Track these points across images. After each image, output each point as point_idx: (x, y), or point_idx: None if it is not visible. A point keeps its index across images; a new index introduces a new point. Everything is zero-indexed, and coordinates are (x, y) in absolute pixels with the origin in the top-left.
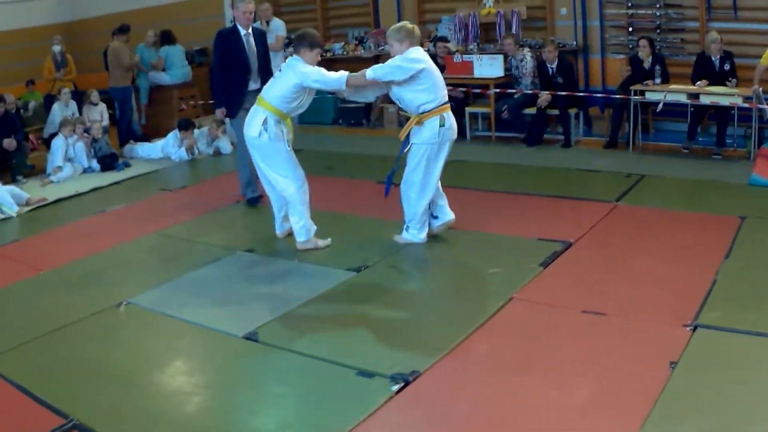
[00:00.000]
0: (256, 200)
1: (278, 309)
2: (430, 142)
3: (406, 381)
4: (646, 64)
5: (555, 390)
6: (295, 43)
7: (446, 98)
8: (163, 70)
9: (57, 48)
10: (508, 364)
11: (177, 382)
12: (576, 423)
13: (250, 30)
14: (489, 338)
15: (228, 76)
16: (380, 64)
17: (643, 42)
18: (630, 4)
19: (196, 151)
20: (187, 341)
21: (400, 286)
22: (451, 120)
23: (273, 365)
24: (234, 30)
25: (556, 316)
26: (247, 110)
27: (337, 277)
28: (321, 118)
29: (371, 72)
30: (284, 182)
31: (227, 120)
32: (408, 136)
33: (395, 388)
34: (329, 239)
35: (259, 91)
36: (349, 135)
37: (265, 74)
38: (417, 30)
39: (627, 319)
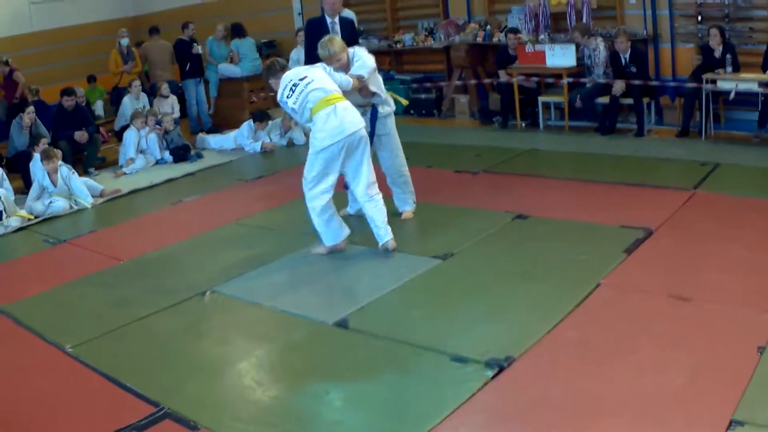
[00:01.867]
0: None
1: (367, 296)
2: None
3: (501, 366)
4: (717, 53)
5: (647, 375)
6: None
7: None
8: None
9: (125, 42)
10: (600, 349)
11: (267, 369)
12: (669, 407)
13: (336, 18)
14: (580, 324)
15: (315, 62)
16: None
17: (714, 31)
18: None
19: (267, 139)
20: (277, 329)
21: (487, 273)
22: None
23: (366, 352)
24: (321, 18)
25: (644, 302)
26: None
27: (424, 265)
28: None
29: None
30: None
31: None
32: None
33: (490, 373)
34: None
35: None
36: (420, 125)
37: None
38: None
39: (713, 305)
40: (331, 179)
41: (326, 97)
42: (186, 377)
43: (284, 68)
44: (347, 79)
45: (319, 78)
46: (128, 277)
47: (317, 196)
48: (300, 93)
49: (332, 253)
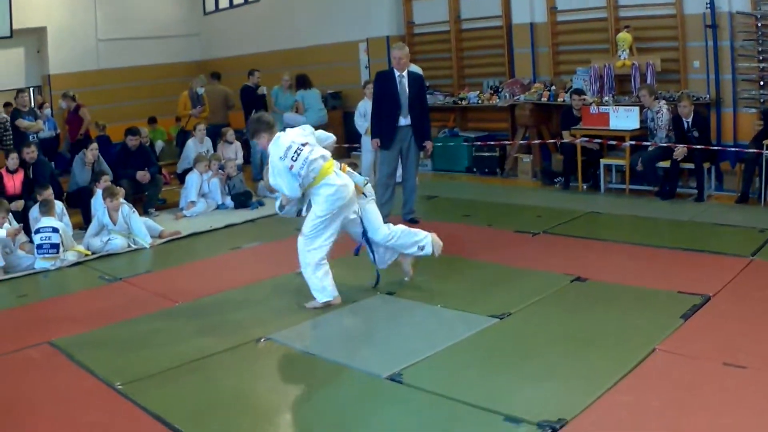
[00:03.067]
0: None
1: (422, 352)
2: None
3: (553, 429)
4: None
5: None
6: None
7: None
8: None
9: (201, 90)
10: (654, 414)
11: (319, 420)
12: None
13: (404, 73)
14: (634, 388)
15: (382, 112)
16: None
17: None
18: (761, 58)
19: None
20: (329, 380)
21: (544, 334)
22: None
23: (419, 409)
24: (390, 72)
25: (699, 368)
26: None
27: (480, 323)
28: (455, 166)
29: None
30: None
31: (374, 152)
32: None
33: None
34: None
35: (409, 126)
36: (483, 184)
37: (418, 114)
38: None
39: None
40: (332, 235)
41: (327, 164)
42: (235, 424)
43: (271, 126)
44: (331, 136)
45: (316, 145)
46: (182, 319)
47: (316, 250)
48: (305, 161)
49: (388, 307)
